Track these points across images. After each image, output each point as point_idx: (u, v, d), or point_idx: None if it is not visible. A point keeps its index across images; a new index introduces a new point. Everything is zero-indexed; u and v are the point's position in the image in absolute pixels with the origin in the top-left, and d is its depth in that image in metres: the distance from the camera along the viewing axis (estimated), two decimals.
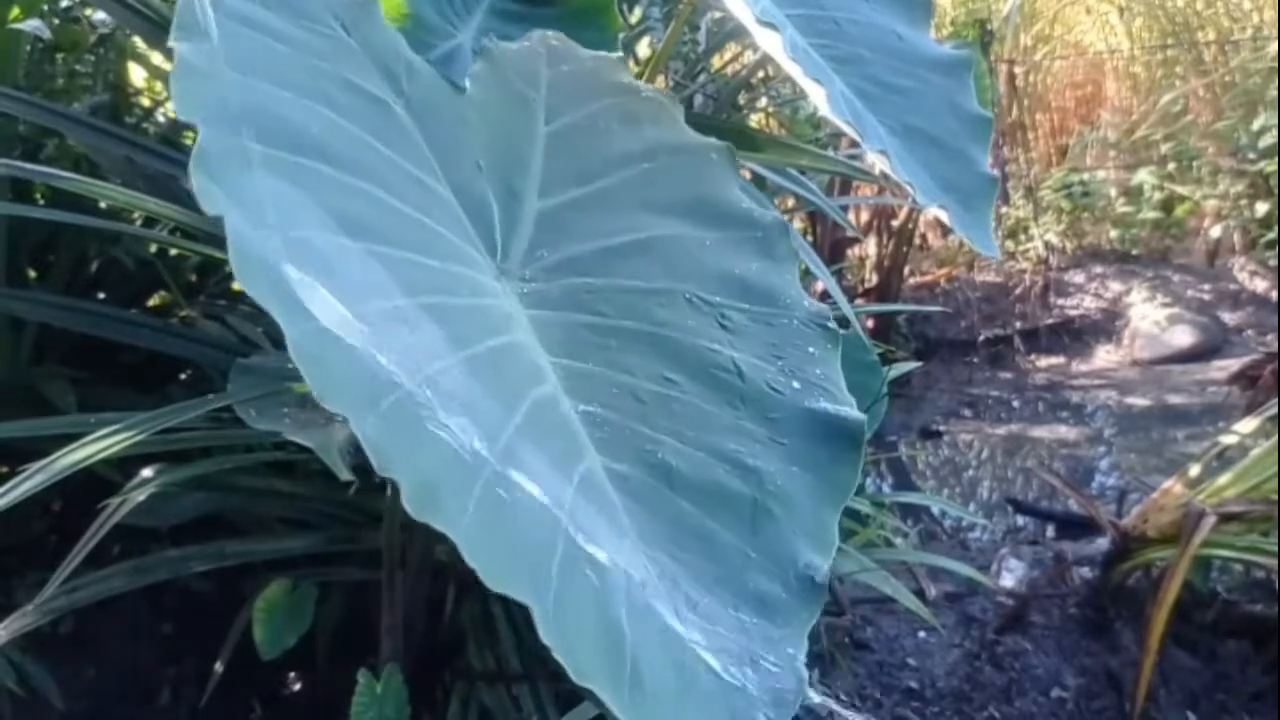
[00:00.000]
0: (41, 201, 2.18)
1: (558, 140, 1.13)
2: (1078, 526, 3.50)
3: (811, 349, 0.98)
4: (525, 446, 0.75)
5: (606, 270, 1.02)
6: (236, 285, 2.49)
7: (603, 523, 0.75)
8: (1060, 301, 6.38)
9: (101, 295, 2.28)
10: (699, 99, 2.68)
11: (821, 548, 0.82)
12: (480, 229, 1.01)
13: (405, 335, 0.75)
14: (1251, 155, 6.20)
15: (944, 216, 1.14)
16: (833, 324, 1.00)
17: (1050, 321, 6.21)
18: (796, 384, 0.94)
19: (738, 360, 0.94)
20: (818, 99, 1.11)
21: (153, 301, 2.37)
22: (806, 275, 2.33)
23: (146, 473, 1.57)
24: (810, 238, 4.56)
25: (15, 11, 1.98)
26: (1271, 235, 6.09)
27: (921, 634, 2.67)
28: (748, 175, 2.03)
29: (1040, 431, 4.91)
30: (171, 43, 0.80)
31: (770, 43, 1.11)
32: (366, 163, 0.89)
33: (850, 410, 0.91)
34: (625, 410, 0.86)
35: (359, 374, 0.68)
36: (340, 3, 1.04)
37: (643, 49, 2.71)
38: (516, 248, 1.02)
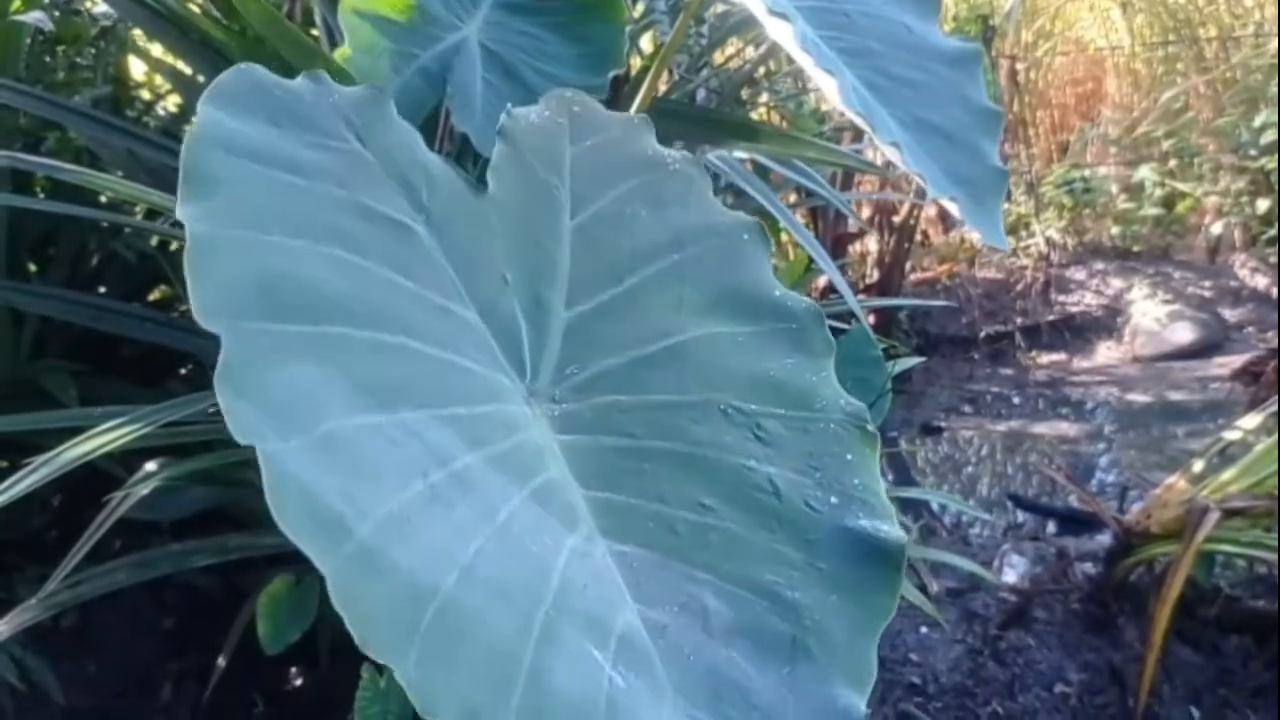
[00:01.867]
0: (42, 194, 2.17)
1: (583, 236, 1.10)
2: (1079, 522, 3.50)
3: (849, 455, 0.95)
4: (563, 620, 0.75)
5: (638, 384, 0.99)
6: None
7: (642, 689, 0.75)
8: (1061, 298, 6.38)
9: (102, 289, 2.27)
10: (702, 93, 2.67)
11: (859, 683, 0.80)
12: (508, 350, 0.99)
13: (441, 518, 0.75)
14: (1253, 152, 6.20)
15: (954, 209, 1.13)
16: (870, 426, 0.97)
17: (1051, 318, 6.20)
18: (834, 499, 0.91)
19: (774, 477, 0.92)
20: (829, 91, 1.10)
21: (154, 295, 2.37)
22: (810, 270, 2.33)
23: (150, 467, 1.56)
24: (812, 233, 4.55)
25: (17, 4, 1.98)
26: (1272, 232, 6.09)
27: (924, 629, 2.67)
28: (750, 167, 2.02)
29: (1041, 428, 4.91)
30: (179, 208, 0.79)
31: (782, 34, 1.10)
32: (390, 309, 0.88)
33: (889, 527, 0.89)
34: (661, 547, 0.85)
35: (400, 596, 0.69)
36: (351, 106, 1.02)
37: (645, 45, 2.70)
38: (546, 366, 1.00)
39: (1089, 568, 2.88)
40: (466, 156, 1.48)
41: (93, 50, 2.30)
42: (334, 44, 1.62)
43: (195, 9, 1.81)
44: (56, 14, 2.20)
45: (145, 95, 2.56)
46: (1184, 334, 5.83)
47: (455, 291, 0.97)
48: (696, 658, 0.78)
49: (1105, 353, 6.02)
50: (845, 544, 0.88)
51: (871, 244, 5.81)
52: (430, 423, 0.81)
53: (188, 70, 2.06)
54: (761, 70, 3.46)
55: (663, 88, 2.35)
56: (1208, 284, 6.33)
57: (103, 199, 2.14)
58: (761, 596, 0.83)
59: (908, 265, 5.74)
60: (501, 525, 0.78)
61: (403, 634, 0.68)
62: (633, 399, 0.98)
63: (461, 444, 0.82)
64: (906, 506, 3.32)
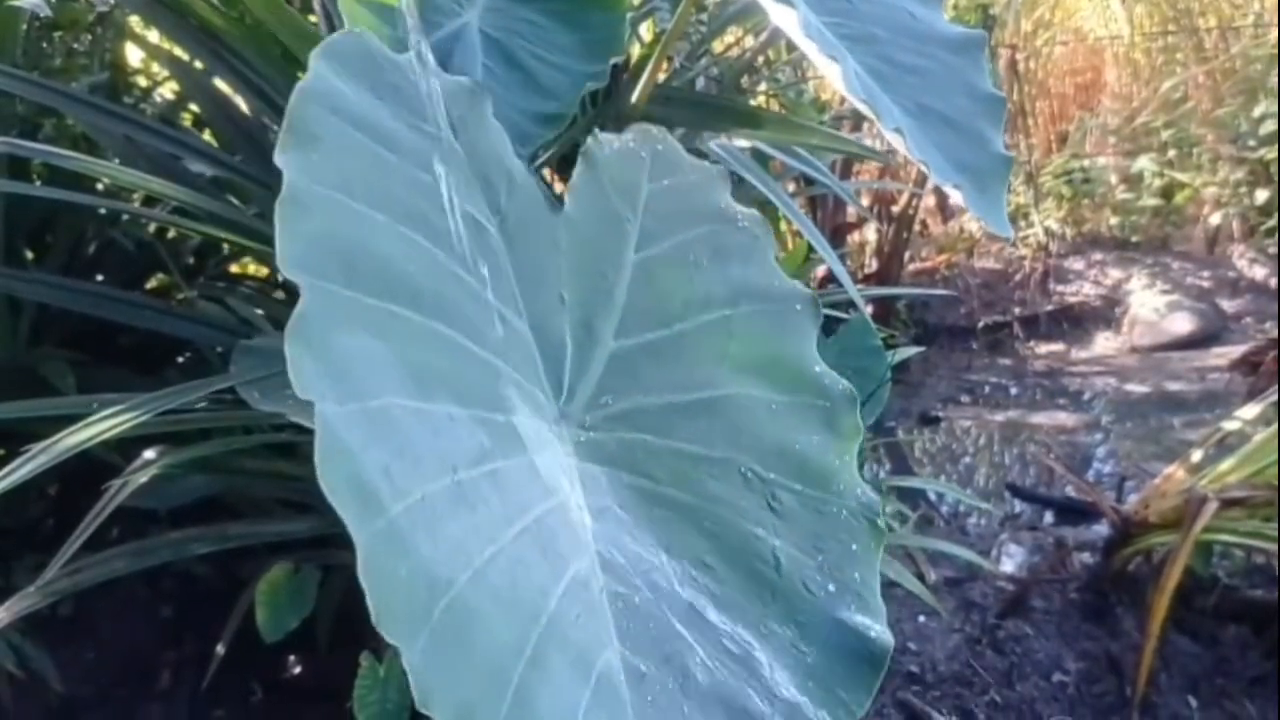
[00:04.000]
0: (39, 181, 2.16)
1: (645, 271, 1.11)
2: (1077, 512, 3.51)
3: (854, 545, 0.96)
4: (552, 647, 0.76)
5: (667, 429, 1.00)
6: (235, 267, 2.49)
7: None
8: (1060, 288, 6.38)
9: (100, 277, 2.26)
10: (702, 81, 2.66)
11: None
12: (550, 369, 1.00)
13: (465, 517, 0.77)
14: (1251, 142, 6.19)
15: (957, 197, 1.13)
16: (880, 521, 0.98)
17: (1050, 308, 6.21)
18: (832, 586, 0.92)
19: (779, 550, 0.93)
20: (832, 77, 1.10)
21: (152, 283, 2.36)
22: (809, 259, 2.33)
23: (148, 455, 1.56)
24: (811, 222, 4.53)
25: None
26: (1271, 223, 6.09)
27: (922, 618, 2.67)
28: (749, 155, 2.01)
29: (1039, 418, 4.91)
30: (280, 154, 0.81)
31: (785, 20, 1.10)
32: (453, 302, 0.89)
33: (878, 627, 0.90)
34: (657, 596, 0.86)
35: (418, 581, 0.71)
36: (450, 95, 1.04)
37: (644, 33, 2.69)
38: (582, 391, 1.01)
39: (1087, 557, 2.88)
40: None
41: (90, 36, 2.28)
42: (332, 28, 1.61)
43: None
44: None
45: (143, 81, 2.54)
46: (1182, 324, 5.83)
47: (513, 299, 0.99)
48: (668, 713, 0.79)
49: (1103, 343, 6.03)
50: (834, 635, 0.89)
51: (870, 233, 5.81)
52: (467, 421, 0.83)
53: (185, 56, 2.05)
54: (761, 59, 3.45)
55: (662, 75, 2.34)
56: (1206, 274, 6.33)
57: (100, 186, 2.13)
58: (742, 670, 0.84)
59: (906, 255, 5.74)
60: (515, 536, 0.80)
61: (416, 621, 0.69)
62: (660, 442, 0.99)
63: (491, 449, 0.83)
64: (904, 496, 3.32)
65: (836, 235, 4.86)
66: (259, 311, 2.02)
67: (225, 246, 2.32)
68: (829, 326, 1.20)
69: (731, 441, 1.01)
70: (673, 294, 1.11)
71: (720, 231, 1.17)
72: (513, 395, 0.91)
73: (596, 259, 1.10)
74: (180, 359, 2.24)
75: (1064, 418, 4.89)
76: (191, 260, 2.40)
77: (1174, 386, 5.18)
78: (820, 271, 4.14)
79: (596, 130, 1.17)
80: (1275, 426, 2.49)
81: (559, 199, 1.12)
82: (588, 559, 0.85)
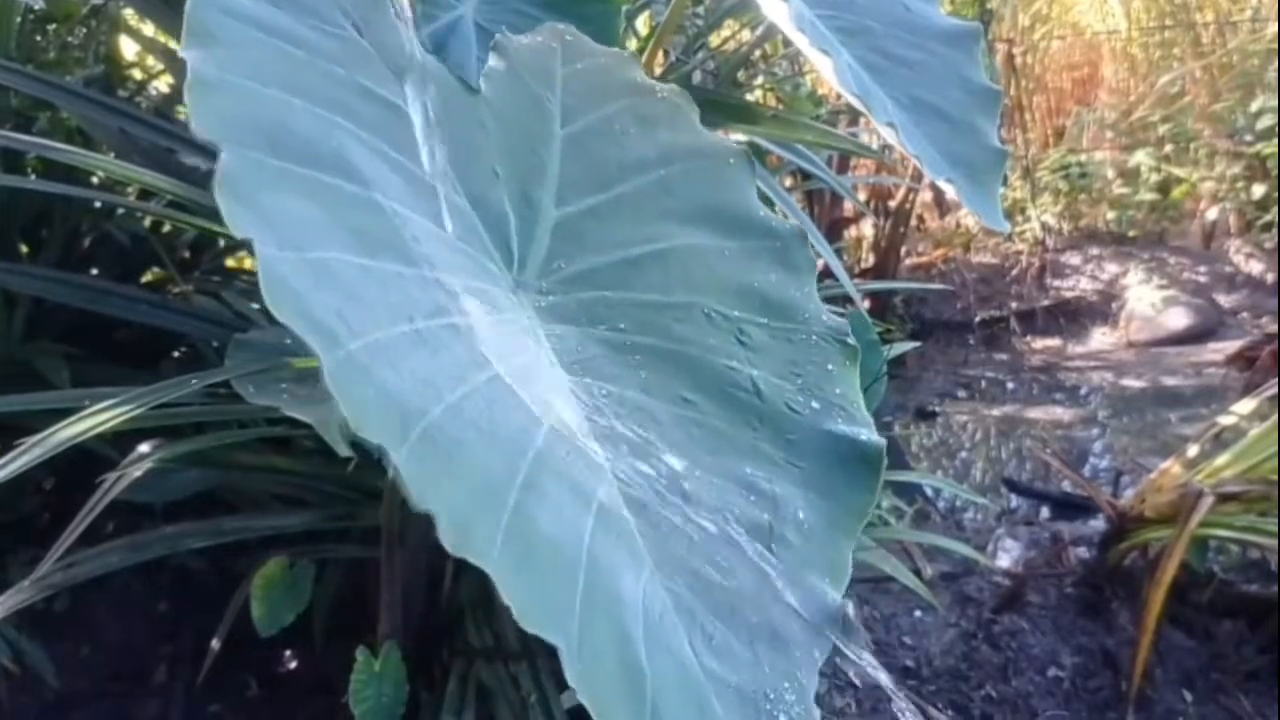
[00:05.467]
0: (34, 175, 2.15)
1: (574, 144, 1.12)
2: (1073, 507, 3.51)
3: (830, 366, 0.97)
4: (545, 476, 0.74)
5: (624, 283, 1.01)
6: (231, 261, 2.48)
7: (622, 553, 0.75)
8: (1056, 283, 6.38)
9: (95, 271, 2.26)
10: (698, 75, 2.66)
11: (836, 577, 0.81)
12: (497, 240, 1.00)
13: (427, 359, 0.74)
14: (1249, 137, 6.19)
15: (951, 191, 1.13)
16: (851, 340, 0.99)
17: (1046, 303, 6.20)
18: (815, 404, 0.93)
19: (756, 378, 0.94)
20: (825, 70, 1.09)
21: (147, 277, 2.35)
22: None
23: (143, 448, 1.56)
24: (808, 217, 4.54)
25: None
26: (1267, 218, 6.09)
27: (918, 613, 2.68)
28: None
29: (1035, 413, 4.92)
30: (182, 51, 0.79)
31: (777, 12, 1.10)
32: (384, 176, 0.88)
33: (868, 433, 0.91)
34: (643, 433, 0.85)
35: (389, 404, 0.68)
36: (351, 0, 1.02)
37: (640, 27, 2.69)
38: (533, 259, 1.01)
39: (1083, 552, 2.89)
40: None
41: (84, 29, 2.27)
42: None
43: None
44: None
45: (137, 75, 2.53)
46: (1179, 319, 5.83)
47: (447, 176, 0.98)
48: (676, 536, 0.78)
49: (1100, 338, 6.03)
50: (826, 445, 0.90)
51: (867, 228, 5.80)
52: (416, 279, 0.81)
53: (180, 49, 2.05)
54: (758, 53, 3.44)
55: (658, 69, 2.34)
56: (1203, 269, 6.33)
57: (95, 179, 2.12)
58: (741, 486, 0.84)
59: (903, 250, 5.74)
60: (487, 381, 0.77)
61: (394, 434, 0.67)
62: (618, 295, 0.99)
63: (448, 305, 0.81)
64: (901, 491, 3.33)
65: (833, 230, 4.86)
66: (254, 306, 2.01)
67: (221, 240, 2.32)
68: None
69: (690, 287, 1.01)
70: (605, 161, 1.11)
71: (641, 103, 1.18)
72: (462, 261, 0.90)
73: (524, 137, 1.10)
74: (175, 353, 2.24)
75: (1060, 413, 4.89)
76: (187, 254, 2.40)
77: (1170, 381, 5.18)
78: (817, 265, 4.14)
79: (503, 32, 1.17)
80: (1271, 421, 2.49)
81: (474, 89, 1.11)
82: (569, 408, 0.84)
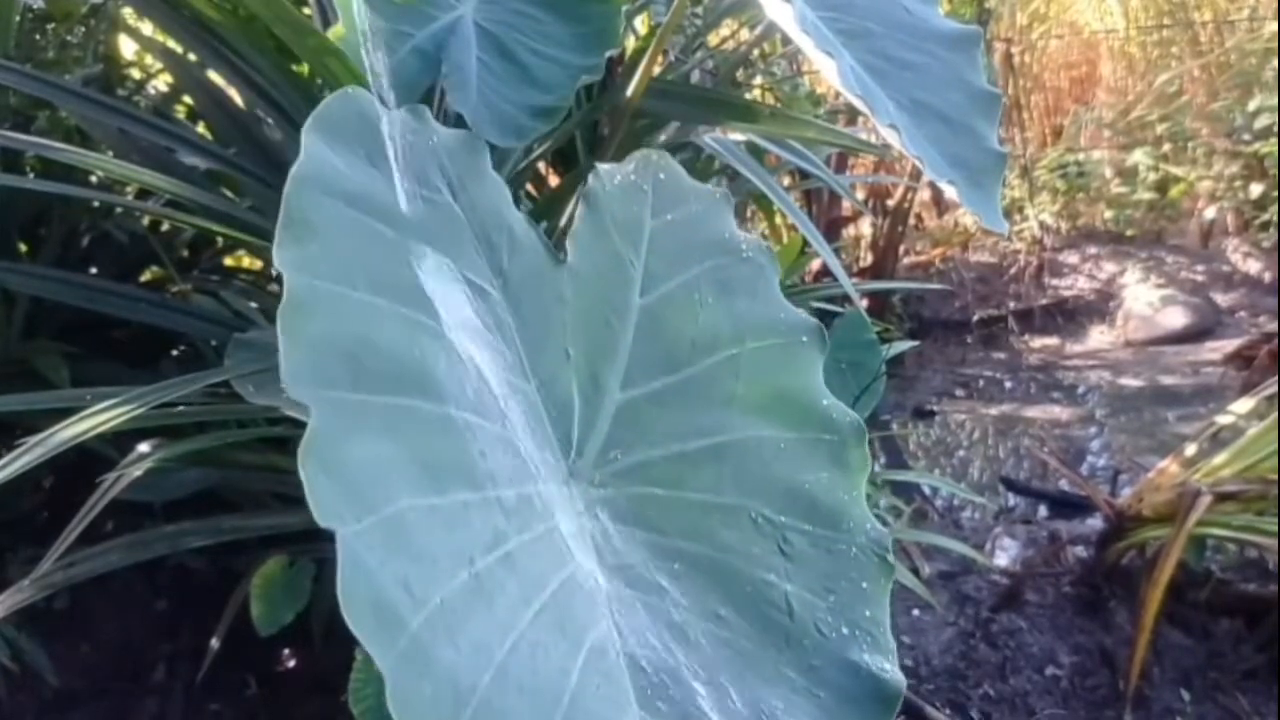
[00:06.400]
0: (32, 174, 2.15)
1: (649, 317, 1.12)
2: (1071, 506, 3.51)
3: (865, 584, 0.98)
4: None
5: (676, 481, 1.02)
6: (230, 260, 2.48)
7: None
8: (1054, 282, 6.38)
9: (94, 270, 2.26)
10: (696, 74, 2.66)
11: None
12: (559, 426, 1.01)
13: (483, 612, 0.77)
14: (1246, 136, 6.19)
15: (952, 192, 1.13)
16: (890, 557, 1.00)
17: (1044, 302, 6.21)
18: (845, 628, 0.94)
19: (790, 595, 0.95)
20: (828, 72, 1.10)
21: (145, 276, 2.35)
22: (804, 253, 2.33)
23: (143, 448, 1.56)
24: (806, 216, 4.53)
25: None
26: (1265, 217, 6.09)
27: (916, 612, 2.68)
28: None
29: (1033, 412, 4.92)
30: (277, 250, 0.81)
31: (781, 15, 1.10)
32: (458, 381, 0.89)
33: (890, 666, 0.92)
34: (673, 655, 0.87)
35: (444, 696, 0.72)
36: (448, 151, 1.04)
37: (639, 26, 2.69)
38: (592, 446, 1.02)
39: (1080, 551, 2.89)
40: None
41: (83, 28, 2.27)
42: (326, 22, 1.61)
43: None
44: None
45: (136, 74, 2.53)
46: (1176, 318, 5.84)
47: (519, 365, 1.00)
48: None
49: (1098, 337, 6.03)
50: (847, 677, 0.91)
51: (865, 227, 5.80)
52: (480, 505, 0.83)
53: (179, 49, 2.04)
54: (757, 52, 3.44)
55: (658, 69, 2.33)
56: (1200, 268, 6.34)
57: (94, 179, 2.12)
58: (759, 718, 0.86)
59: (901, 249, 5.74)
60: (533, 618, 0.81)
61: None
62: (668, 494, 1.00)
63: (505, 528, 0.84)
64: (899, 490, 3.33)
65: (831, 229, 4.86)
66: (253, 305, 2.02)
67: (219, 240, 2.32)
68: (824, 320, 1.20)
69: (741, 487, 1.02)
70: (679, 337, 1.11)
71: (725, 265, 1.17)
72: (523, 464, 0.92)
73: (601, 308, 1.11)
74: (175, 352, 2.24)
75: (1058, 411, 4.90)
76: (186, 253, 2.40)
77: (1168, 380, 5.18)
78: (815, 265, 4.15)
79: (598, 167, 1.15)
80: (1269, 420, 2.50)
81: (561, 247, 1.12)
82: (604, 625, 0.86)
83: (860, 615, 0.95)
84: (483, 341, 0.96)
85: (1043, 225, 6.51)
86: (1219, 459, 2.52)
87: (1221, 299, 6.10)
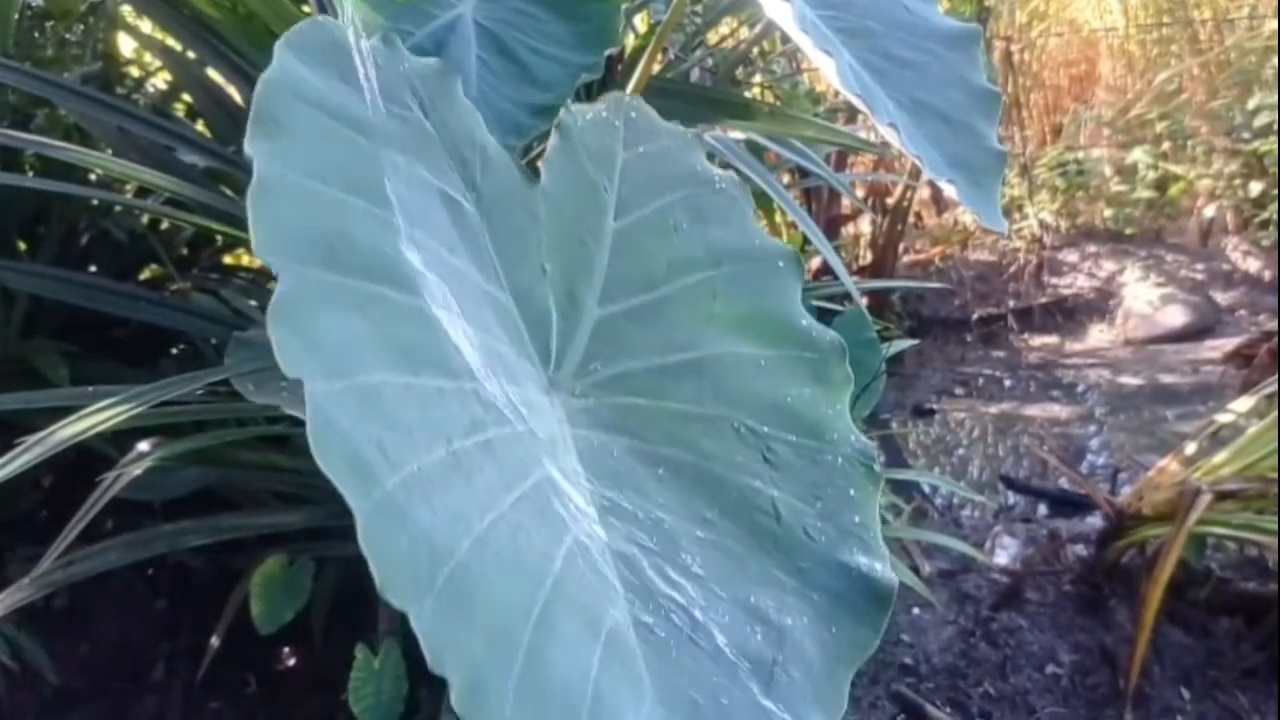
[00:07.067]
0: (31, 172, 2.15)
1: (624, 239, 1.12)
2: (1071, 504, 3.51)
3: (852, 490, 0.97)
4: (560, 608, 0.77)
5: (658, 391, 1.01)
6: (229, 258, 2.48)
7: (625, 685, 0.77)
8: (1054, 280, 6.38)
9: (93, 268, 2.26)
10: (696, 72, 2.66)
11: (830, 711, 0.83)
12: (537, 338, 1.01)
13: (461, 487, 0.77)
14: (1246, 135, 6.19)
15: (951, 192, 1.13)
16: (877, 466, 0.99)
17: (1044, 300, 6.20)
18: (833, 531, 0.94)
19: (777, 500, 0.94)
20: (827, 71, 1.09)
21: (145, 274, 2.35)
22: (804, 251, 2.33)
23: (143, 447, 1.56)
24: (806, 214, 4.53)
25: None
26: (1265, 215, 6.09)
27: (916, 610, 2.68)
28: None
29: (1033, 410, 4.92)
30: (248, 143, 0.81)
31: (780, 13, 1.10)
32: (434, 277, 0.89)
33: (882, 566, 0.91)
34: (660, 553, 0.87)
35: (420, 550, 0.71)
36: (420, 76, 1.04)
37: (638, 24, 2.69)
38: (570, 359, 1.02)
39: (1080, 549, 2.89)
40: None
41: (82, 26, 2.27)
42: None
43: None
44: None
45: (135, 72, 2.53)
46: (1176, 317, 5.84)
47: (495, 274, 1.00)
48: (680, 665, 0.80)
49: (1097, 335, 6.03)
50: (838, 576, 0.90)
51: (865, 225, 5.80)
52: (457, 393, 0.83)
53: (178, 47, 2.04)
54: (756, 51, 3.44)
55: (657, 67, 2.33)
56: (1200, 267, 6.34)
57: (93, 177, 2.12)
58: (750, 616, 0.85)
59: (901, 247, 5.73)
60: (514, 503, 0.80)
61: (420, 587, 0.70)
62: (651, 404, 1.00)
63: (484, 418, 0.83)
64: (899, 488, 3.33)
65: (831, 227, 4.86)
66: (253, 303, 2.01)
67: (219, 238, 2.32)
68: (824, 319, 1.20)
69: (723, 399, 1.02)
70: (654, 259, 1.12)
71: (698, 194, 1.18)
72: (501, 366, 0.91)
73: (576, 229, 1.11)
74: (174, 351, 2.24)
75: (1058, 410, 4.90)
76: (185, 251, 2.40)
77: (1167, 379, 5.18)
78: (815, 264, 4.15)
79: (569, 102, 1.17)
80: (1269, 419, 2.50)
81: (535, 172, 1.12)
82: (587, 520, 0.86)
83: (849, 520, 0.94)
84: (458, 249, 0.96)
85: (1042, 224, 6.50)
86: (1219, 457, 2.52)
87: (1221, 297, 6.09)
